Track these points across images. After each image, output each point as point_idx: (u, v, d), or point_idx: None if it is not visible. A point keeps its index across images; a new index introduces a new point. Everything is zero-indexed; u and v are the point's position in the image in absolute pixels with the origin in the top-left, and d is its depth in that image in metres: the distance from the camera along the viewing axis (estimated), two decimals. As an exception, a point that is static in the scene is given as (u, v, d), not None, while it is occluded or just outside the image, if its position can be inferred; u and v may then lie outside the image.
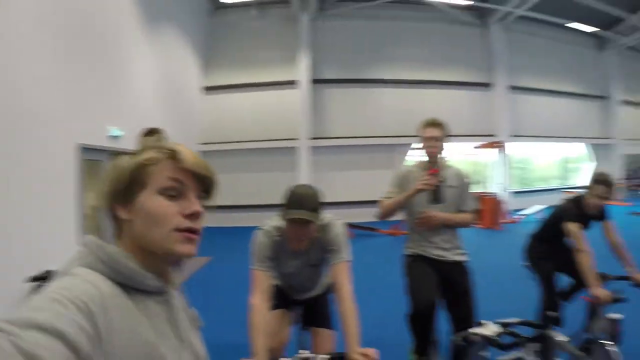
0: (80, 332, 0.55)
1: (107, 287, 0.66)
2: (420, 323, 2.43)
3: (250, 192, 10.76)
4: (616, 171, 15.25)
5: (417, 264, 2.55)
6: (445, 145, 2.57)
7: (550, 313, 1.91)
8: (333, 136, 11.35)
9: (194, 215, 0.75)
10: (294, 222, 1.79)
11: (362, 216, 9.46)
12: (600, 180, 2.80)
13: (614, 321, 2.45)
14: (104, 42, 6.16)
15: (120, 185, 0.74)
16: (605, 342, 2.42)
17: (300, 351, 1.62)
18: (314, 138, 11.01)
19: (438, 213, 2.46)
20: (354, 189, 10.91)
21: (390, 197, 2.59)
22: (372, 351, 1.53)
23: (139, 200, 0.73)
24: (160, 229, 0.72)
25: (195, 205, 0.75)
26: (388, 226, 9.13)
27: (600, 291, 2.47)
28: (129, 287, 0.70)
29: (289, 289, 2.27)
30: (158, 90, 8.23)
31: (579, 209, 2.84)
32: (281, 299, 2.24)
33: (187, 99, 10.25)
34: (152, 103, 7.82)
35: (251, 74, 11.35)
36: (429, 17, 12.21)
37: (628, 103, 16.03)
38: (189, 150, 0.77)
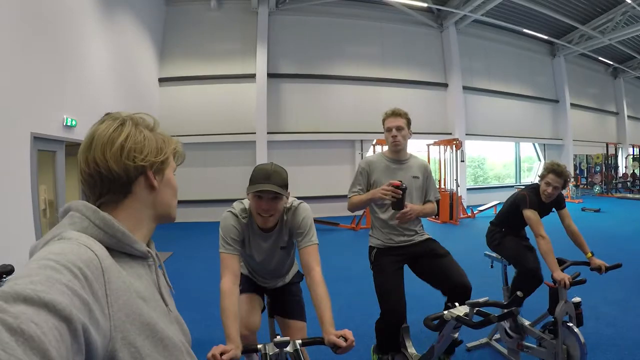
0: (74, 301, 0.53)
1: (100, 249, 0.67)
2: (389, 327, 2.40)
3: (207, 187, 10.56)
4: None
5: (384, 260, 2.51)
6: (409, 134, 2.57)
7: (519, 293, 1.91)
8: (291, 131, 11.28)
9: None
10: (261, 197, 1.76)
11: (322, 211, 9.51)
12: (551, 169, 2.86)
13: (576, 304, 2.55)
14: (58, 30, 5.89)
15: (161, 158, 0.84)
16: (568, 323, 2.53)
17: (277, 337, 1.56)
18: (272, 132, 10.91)
19: (413, 207, 2.43)
20: (311, 184, 10.86)
21: (357, 193, 2.57)
22: (348, 332, 1.52)
23: (166, 174, 0.87)
24: (175, 200, 0.90)
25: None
26: (349, 221, 9.25)
27: (561, 274, 2.53)
28: (118, 251, 0.73)
29: (258, 275, 2.21)
30: (113, 80, 7.93)
31: (535, 197, 2.90)
32: (251, 284, 2.20)
33: (142, 89, 9.92)
34: (106, 93, 7.52)
35: (208, 66, 11.13)
36: (388, 17, 12.40)
37: (577, 106, 16.97)
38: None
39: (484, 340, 3.21)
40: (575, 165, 16.83)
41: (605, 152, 17.50)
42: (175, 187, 0.90)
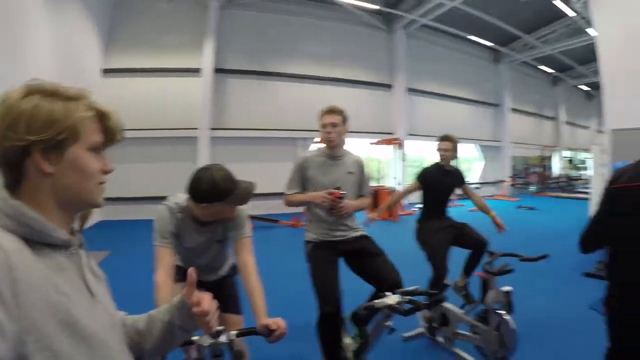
0: None
1: (11, 242, 0.62)
2: (330, 322, 2.40)
3: (147, 184, 10.18)
4: (504, 170, 17.14)
5: (319, 253, 2.55)
6: (345, 131, 2.60)
7: (445, 281, 2.11)
8: (234, 127, 11.21)
9: (109, 172, 0.80)
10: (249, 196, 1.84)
11: (263, 208, 9.41)
12: (441, 137, 3.41)
13: (506, 293, 2.68)
14: (0, 15, 5.61)
15: (52, 135, 0.68)
16: (500, 311, 2.66)
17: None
18: (215, 129, 10.81)
19: (348, 202, 2.51)
20: (254, 180, 10.76)
21: (294, 191, 2.62)
22: (280, 320, 1.57)
23: (70, 154, 0.71)
24: (90, 183, 0.75)
25: (110, 163, 0.79)
26: (289, 218, 9.27)
27: (373, 214, 3.06)
28: (35, 241, 0.66)
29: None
30: (56, 68, 7.48)
31: (429, 169, 3.48)
32: (185, 277, 2.17)
33: (86, 80, 9.35)
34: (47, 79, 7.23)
35: (155, 59, 10.79)
36: (337, 17, 12.52)
37: (517, 111, 18.01)
38: (112, 110, 0.80)
39: (420, 330, 3.34)
40: (512, 166, 17.93)
41: (542, 154, 18.76)
42: (88, 169, 0.74)
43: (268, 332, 1.56)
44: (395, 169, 11.47)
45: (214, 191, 1.75)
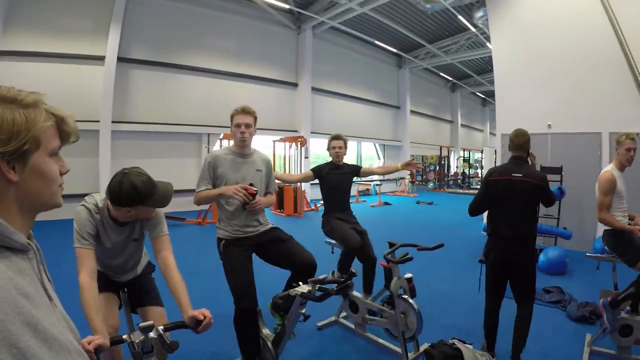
0: None
1: None
2: (247, 316, 2.45)
3: None
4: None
5: (232, 250, 2.59)
6: (255, 131, 2.71)
7: (353, 270, 2.23)
8: (137, 121, 10.65)
9: (65, 172, 0.82)
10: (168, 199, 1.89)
11: (169, 206, 9.36)
12: (332, 137, 3.76)
13: (408, 279, 2.94)
14: None
15: (17, 147, 0.70)
16: (403, 296, 2.90)
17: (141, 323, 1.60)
18: (117, 122, 10.22)
19: (260, 199, 2.62)
20: (158, 177, 10.19)
21: (204, 189, 2.63)
22: (206, 311, 1.64)
23: (33, 161, 0.73)
24: (53, 186, 0.77)
25: (66, 164, 0.82)
26: (195, 215, 9.13)
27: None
28: None
29: (111, 270, 2.21)
30: None
31: (323, 166, 3.75)
32: (105, 282, 2.15)
33: None
34: None
35: (52, 43, 9.77)
36: (249, 13, 12.46)
37: (416, 113, 19.53)
38: (70, 114, 0.81)
39: (332, 318, 3.59)
40: (422, 164, 19.40)
41: (439, 153, 20.55)
42: (50, 174, 0.76)
43: (195, 324, 1.62)
44: (298, 166, 11.87)
45: (136, 195, 1.79)
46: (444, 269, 5.43)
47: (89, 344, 1.42)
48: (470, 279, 4.56)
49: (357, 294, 3.30)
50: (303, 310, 2.13)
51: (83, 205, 1.94)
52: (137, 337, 1.57)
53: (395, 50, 16.74)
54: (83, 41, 10.11)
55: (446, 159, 21.01)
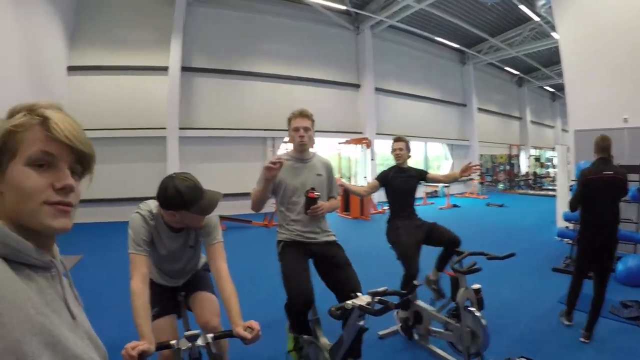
0: None
1: None
2: (296, 310, 2.43)
3: (115, 185, 9.91)
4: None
5: (290, 250, 2.59)
6: (313, 134, 2.66)
7: (415, 282, 2.11)
8: (203, 127, 11.07)
9: (65, 189, 0.69)
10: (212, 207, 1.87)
11: (234, 208, 9.27)
12: (394, 139, 3.65)
13: (476, 290, 2.78)
14: None
15: None
16: (470, 308, 2.73)
17: (189, 331, 1.62)
18: (183, 128, 10.65)
19: (323, 204, 2.56)
20: (223, 181, 10.55)
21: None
22: (254, 323, 1.62)
23: (9, 172, 0.67)
24: (30, 203, 0.66)
25: (66, 178, 0.69)
26: (261, 218, 9.22)
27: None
28: (15, 262, 0.64)
29: (168, 275, 2.24)
30: (19, 67, 7.30)
31: (387, 172, 3.61)
32: (163, 299, 2.16)
33: (50, 77, 9.15)
34: (11, 81, 6.83)
35: (121, 57, 10.52)
36: (307, 17, 12.57)
37: (483, 110, 18.48)
38: (63, 116, 0.70)
39: (395, 328, 3.43)
40: (480, 164, 18.37)
41: (509, 152, 19.29)
42: (21, 187, 0.66)
43: (244, 335, 1.60)
44: (364, 168, 11.55)
45: (179, 199, 1.79)
46: (513, 277, 5.04)
47: (133, 349, 1.44)
48: (540, 287, 4.55)
49: (422, 303, 3.19)
50: (361, 323, 2.00)
51: (137, 212, 1.95)
52: (184, 344, 1.58)
53: (457, 46, 16.24)
54: (147, 53, 10.76)
55: (516, 158, 19.71)
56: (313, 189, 2.54)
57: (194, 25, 11.15)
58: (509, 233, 8.21)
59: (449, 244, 3.33)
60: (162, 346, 1.60)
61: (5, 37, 6.86)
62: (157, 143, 10.45)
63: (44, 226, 0.67)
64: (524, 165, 21.63)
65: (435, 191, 15.53)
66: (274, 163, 2.32)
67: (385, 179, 3.55)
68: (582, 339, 3.18)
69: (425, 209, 12.11)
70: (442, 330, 2.98)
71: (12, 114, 0.70)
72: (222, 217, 8.84)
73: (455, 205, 12.79)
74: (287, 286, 2.43)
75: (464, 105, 17.69)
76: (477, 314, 2.68)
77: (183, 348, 1.57)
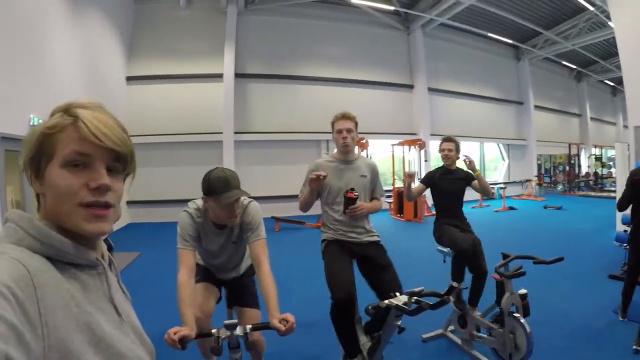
0: (6, 332, 0.49)
1: (36, 262, 0.61)
2: (339, 307, 2.44)
3: (174, 187, 10.41)
4: (531, 169, 16.68)
5: (333, 247, 2.64)
6: (357, 136, 2.70)
7: (454, 284, 2.08)
8: (258, 131, 11.33)
9: (100, 189, 0.68)
10: (230, 203, 1.93)
11: (287, 210, 9.52)
12: (443, 139, 3.48)
13: (522, 295, 2.70)
14: (26, 28, 5.84)
15: (30, 155, 0.68)
16: (515, 314, 2.67)
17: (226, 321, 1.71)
18: (239, 132, 10.95)
19: (363, 204, 2.59)
20: (278, 183, 10.90)
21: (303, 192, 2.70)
22: (290, 316, 1.67)
23: (47, 174, 0.67)
24: (66, 205, 0.66)
25: (101, 177, 0.68)
26: (315, 219, 9.21)
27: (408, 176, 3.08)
28: (60, 261, 0.65)
29: (214, 268, 2.39)
30: (81, 77, 7.85)
31: (433, 173, 3.46)
32: (208, 275, 2.38)
33: (110, 88, 9.79)
34: (74, 92, 7.32)
35: (176, 66, 11.07)
36: (356, 19, 12.56)
37: (540, 108, 17.54)
38: (96, 114, 0.69)
39: (439, 331, 3.39)
40: (539, 165, 17.45)
41: (568, 152, 18.19)
42: (57, 188, 0.66)
43: (279, 327, 1.65)
44: (418, 169, 11.25)
45: (207, 185, 1.94)
46: (565, 284, 4.76)
47: (175, 334, 1.56)
48: (594, 295, 4.27)
49: (473, 311, 3.12)
50: (399, 322, 2.03)
51: (185, 210, 2.08)
52: (224, 333, 1.67)
53: (510, 41, 15.56)
54: (202, 61, 11.22)
55: (576, 157, 18.55)
56: (352, 189, 2.57)
57: (246, 33, 11.49)
58: (564, 237, 7.80)
59: (479, 273, 3.14)
60: (203, 334, 1.73)
61: (67, 55, 7.28)
62: (213, 147, 10.83)
63: (79, 229, 0.67)
64: (585, 165, 20.35)
65: (492, 193, 14.88)
66: (317, 176, 2.45)
67: (431, 180, 3.44)
68: (636, 346, 2.98)
69: (480, 212, 11.80)
70: (485, 336, 2.92)
71: (51, 115, 0.70)
72: (276, 219, 9.14)
73: (511, 208, 12.40)
74: (330, 282, 2.47)
75: (521, 103, 16.91)
76: (522, 320, 2.62)
77: (222, 337, 1.66)
